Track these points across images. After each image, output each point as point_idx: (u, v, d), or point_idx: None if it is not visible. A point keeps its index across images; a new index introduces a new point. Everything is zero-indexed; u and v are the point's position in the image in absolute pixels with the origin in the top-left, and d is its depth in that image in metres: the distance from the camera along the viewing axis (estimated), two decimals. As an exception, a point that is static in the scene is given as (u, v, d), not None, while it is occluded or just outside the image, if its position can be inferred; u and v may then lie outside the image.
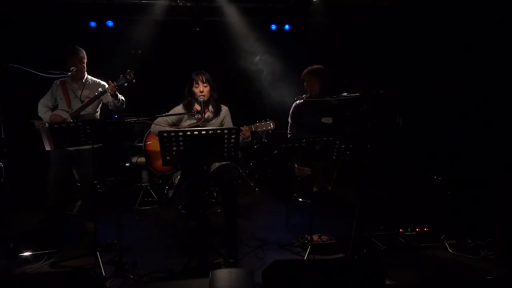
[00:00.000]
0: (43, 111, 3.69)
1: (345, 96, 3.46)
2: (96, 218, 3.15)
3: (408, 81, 5.31)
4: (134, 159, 5.13)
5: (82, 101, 3.70)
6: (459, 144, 4.65)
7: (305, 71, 3.97)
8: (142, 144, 3.61)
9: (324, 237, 3.56)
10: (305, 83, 3.96)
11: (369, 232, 3.57)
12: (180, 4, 5.82)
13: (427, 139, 5.03)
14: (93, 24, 5.92)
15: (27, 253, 3.30)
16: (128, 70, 3.58)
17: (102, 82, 3.85)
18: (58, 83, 3.74)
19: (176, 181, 3.43)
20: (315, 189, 3.61)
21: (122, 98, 3.73)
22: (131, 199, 5.14)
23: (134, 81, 3.58)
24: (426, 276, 3.01)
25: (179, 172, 3.39)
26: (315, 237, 3.46)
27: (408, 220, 3.69)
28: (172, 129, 3.15)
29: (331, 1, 5.87)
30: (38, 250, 3.34)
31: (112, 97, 3.63)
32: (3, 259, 3.14)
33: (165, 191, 5.20)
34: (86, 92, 3.75)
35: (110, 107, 3.83)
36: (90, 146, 3.12)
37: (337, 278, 2.14)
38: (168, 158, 2.75)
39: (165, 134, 2.66)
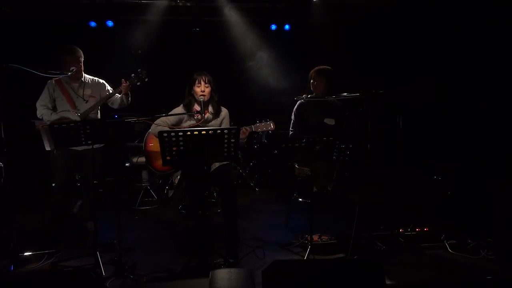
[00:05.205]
0: (48, 113, 3.64)
1: (345, 96, 3.46)
2: (96, 218, 3.15)
3: (408, 81, 5.31)
4: (134, 159, 5.13)
5: (85, 101, 3.70)
6: (459, 144, 4.65)
7: (313, 70, 3.93)
8: (142, 144, 3.61)
9: (324, 237, 3.56)
10: (311, 82, 3.94)
11: (369, 232, 3.57)
12: (180, 4, 5.82)
13: (427, 139, 5.03)
14: (93, 24, 5.92)
15: (27, 253, 3.30)
16: (139, 69, 3.63)
17: (101, 81, 3.87)
18: (54, 83, 3.68)
19: (176, 181, 3.43)
20: (315, 189, 3.61)
21: (130, 96, 3.80)
22: (131, 199, 5.14)
23: (146, 80, 3.64)
24: (426, 276, 3.01)
25: (179, 172, 3.39)
26: (315, 237, 3.46)
27: (408, 220, 3.69)
28: (172, 129, 3.15)
29: (331, 1, 5.87)
30: (38, 250, 3.34)
31: (124, 95, 3.69)
32: (3, 259, 3.14)
33: (165, 191, 5.20)
34: (88, 91, 3.74)
35: (112, 106, 3.85)
36: (98, 146, 3.13)
37: (337, 278, 2.14)
38: (168, 158, 2.75)
39: (165, 134, 2.66)
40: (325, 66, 3.92)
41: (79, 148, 3.53)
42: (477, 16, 4.49)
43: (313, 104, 3.94)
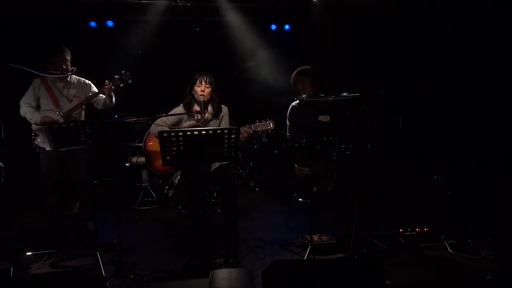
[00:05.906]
0: (31, 111, 3.58)
1: (345, 96, 3.46)
2: (96, 218, 3.15)
3: (408, 81, 5.31)
4: (134, 159, 5.13)
5: (70, 100, 3.63)
6: (459, 144, 4.65)
7: (293, 74, 3.96)
8: (142, 144, 3.61)
9: (324, 237, 3.56)
10: (297, 86, 3.94)
11: (369, 232, 3.57)
12: (180, 4, 5.81)
13: (427, 139, 5.03)
14: (93, 24, 5.91)
15: (27, 253, 3.31)
16: (123, 71, 3.56)
17: (87, 81, 3.81)
18: (39, 81, 3.63)
19: (176, 181, 3.44)
20: (315, 189, 3.61)
21: (114, 97, 3.72)
22: (131, 199, 5.14)
23: (129, 81, 3.56)
24: (426, 276, 3.01)
25: (179, 172, 3.39)
26: (315, 237, 3.46)
27: (408, 220, 3.69)
28: (172, 129, 3.15)
29: (331, 1, 5.87)
30: (38, 250, 3.34)
31: (107, 97, 3.62)
32: (3, 259, 3.14)
33: (165, 191, 5.20)
34: (72, 91, 3.67)
35: (97, 107, 3.78)
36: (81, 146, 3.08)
37: (337, 278, 2.14)
38: (168, 158, 2.75)
39: (165, 134, 2.66)
40: (304, 67, 3.94)
41: (61, 149, 3.49)
42: (477, 16, 4.49)
43: (306, 105, 3.94)
